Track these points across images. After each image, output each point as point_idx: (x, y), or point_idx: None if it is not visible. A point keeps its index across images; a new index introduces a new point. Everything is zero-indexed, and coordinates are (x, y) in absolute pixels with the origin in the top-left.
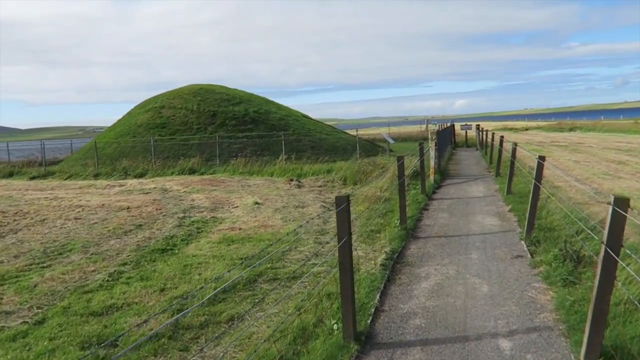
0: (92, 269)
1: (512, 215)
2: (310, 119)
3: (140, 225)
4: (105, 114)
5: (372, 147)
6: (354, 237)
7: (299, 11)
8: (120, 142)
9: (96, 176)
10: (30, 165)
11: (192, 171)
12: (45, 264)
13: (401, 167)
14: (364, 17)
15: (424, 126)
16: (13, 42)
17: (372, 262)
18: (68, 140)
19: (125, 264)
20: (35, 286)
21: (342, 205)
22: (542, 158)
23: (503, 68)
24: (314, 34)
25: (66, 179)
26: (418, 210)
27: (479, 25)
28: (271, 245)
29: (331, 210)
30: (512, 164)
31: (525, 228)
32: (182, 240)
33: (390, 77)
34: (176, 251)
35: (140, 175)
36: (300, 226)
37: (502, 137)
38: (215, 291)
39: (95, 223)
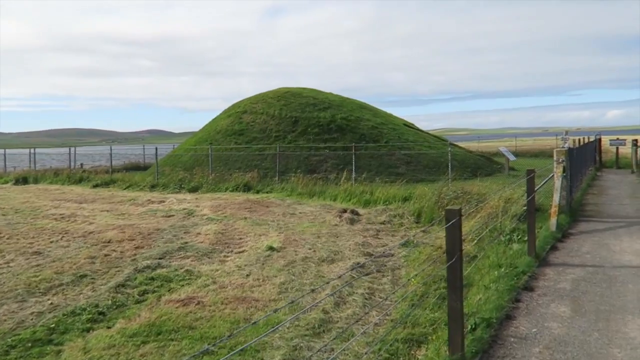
0: None
1: None
2: (414, 128)
3: (84, 276)
4: None
5: (486, 164)
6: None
7: (439, 18)
8: (197, 149)
9: (153, 187)
10: (100, 172)
11: (247, 188)
12: None
13: (454, 240)
14: (511, 22)
15: (560, 138)
16: (178, 55)
17: None
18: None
19: None
20: None
21: None
22: None
23: None
24: (452, 41)
25: (125, 188)
26: (512, 293)
27: None
28: (205, 353)
29: (366, 276)
30: None
31: None
32: (88, 320)
33: (533, 85)
34: (49, 349)
35: (194, 190)
36: (275, 309)
37: None
38: None
39: (37, 265)
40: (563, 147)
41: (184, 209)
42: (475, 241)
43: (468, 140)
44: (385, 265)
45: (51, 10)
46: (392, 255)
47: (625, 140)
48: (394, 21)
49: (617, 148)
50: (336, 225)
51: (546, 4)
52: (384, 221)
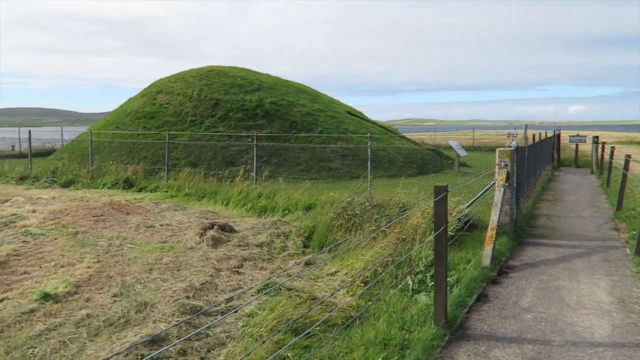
0: None
1: None
2: (359, 116)
3: None
4: None
5: (435, 159)
6: None
7: (410, 10)
8: (100, 134)
9: (21, 180)
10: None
11: (128, 184)
12: None
13: None
14: (481, 16)
15: (507, 134)
16: (145, 36)
17: None
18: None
19: None
20: None
21: None
22: None
23: (633, 72)
24: (423, 33)
25: None
26: None
27: (610, 26)
28: None
29: None
30: None
31: None
32: None
33: (500, 78)
34: None
35: (67, 185)
36: None
37: None
38: None
39: None
40: (509, 147)
41: (13, 214)
42: (368, 287)
43: (432, 132)
44: (209, 336)
45: None
46: (236, 311)
47: (585, 136)
48: (365, 11)
49: (577, 145)
50: (192, 247)
51: (514, 2)
52: (263, 243)
